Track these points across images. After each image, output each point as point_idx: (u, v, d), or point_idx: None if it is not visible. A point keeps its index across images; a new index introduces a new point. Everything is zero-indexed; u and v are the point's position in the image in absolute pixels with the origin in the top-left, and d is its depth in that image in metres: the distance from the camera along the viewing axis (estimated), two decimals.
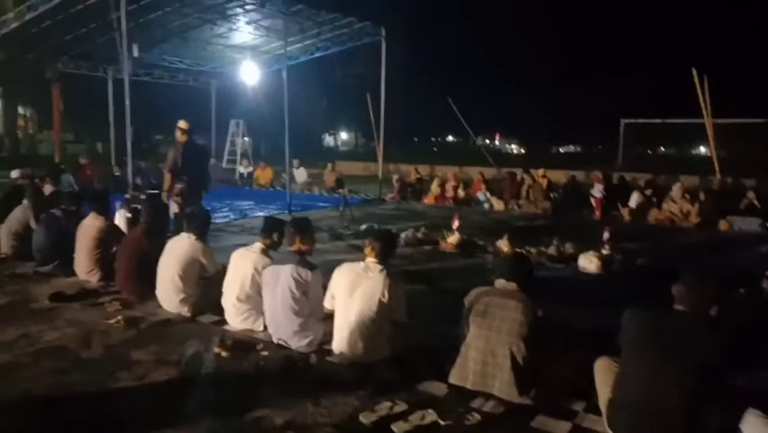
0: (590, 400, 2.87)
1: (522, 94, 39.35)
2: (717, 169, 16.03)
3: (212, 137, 17.63)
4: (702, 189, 10.55)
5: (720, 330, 2.56)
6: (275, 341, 3.76)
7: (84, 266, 5.39)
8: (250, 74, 14.25)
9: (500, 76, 38.84)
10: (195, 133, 7.07)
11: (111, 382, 3.22)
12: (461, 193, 13.05)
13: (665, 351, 2.46)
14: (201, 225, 4.60)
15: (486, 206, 12.25)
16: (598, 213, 10.88)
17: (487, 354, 3.02)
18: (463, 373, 3.10)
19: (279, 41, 13.25)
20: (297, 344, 3.66)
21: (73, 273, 5.44)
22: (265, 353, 3.59)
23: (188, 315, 4.36)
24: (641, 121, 23.52)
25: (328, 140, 55.76)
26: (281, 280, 3.69)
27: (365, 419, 2.77)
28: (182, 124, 6.68)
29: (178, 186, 6.91)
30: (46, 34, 11.47)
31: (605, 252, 6.48)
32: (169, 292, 4.41)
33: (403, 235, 7.82)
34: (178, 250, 4.38)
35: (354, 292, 3.41)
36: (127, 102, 7.74)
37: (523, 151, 55.91)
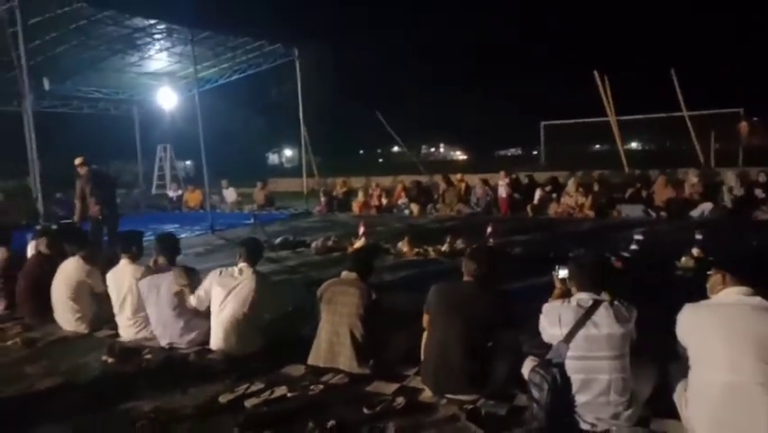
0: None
1: (461, 103, 40.68)
2: (624, 162, 17.27)
3: (138, 163, 17.59)
4: (595, 182, 11.53)
5: (498, 292, 3.18)
6: (164, 345, 4.15)
7: None
8: (167, 100, 14.44)
9: (439, 87, 40.13)
10: (95, 163, 7.64)
11: None
12: (384, 201, 13.66)
13: (452, 311, 3.05)
14: (88, 246, 4.96)
15: (406, 211, 12.89)
16: (503, 211, 11.70)
17: (332, 335, 3.53)
18: (316, 353, 3.61)
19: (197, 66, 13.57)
20: (185, 342, 4.08)
21: None
22: (149, 356, 3.98)
23: (86, 331, 4.68)
24: (558, 122, 25.03)
25: (272, 158, 55.67)
26: (163, 286, 4.10)
27: (223, 399, 3.22)
28: (77, 161, 7.74)
29: (95, 208, 7.71)
30: None
31: (489, 245, 7.17)
32: (64, 312, 4.72)
33: (313, 245, 8.33)
34: (65, 273, 4.71)
35: (227, 293, 3.86)
36: (32, 136, 7.98)
37: (465, 157, 57.41)
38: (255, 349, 3.86)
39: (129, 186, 18.09)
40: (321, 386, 3.33)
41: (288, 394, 3.25)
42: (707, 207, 9.77)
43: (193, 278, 4.15)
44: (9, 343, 4.46)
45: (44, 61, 10.93)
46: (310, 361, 3.62)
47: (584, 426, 2.67)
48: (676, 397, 2.66)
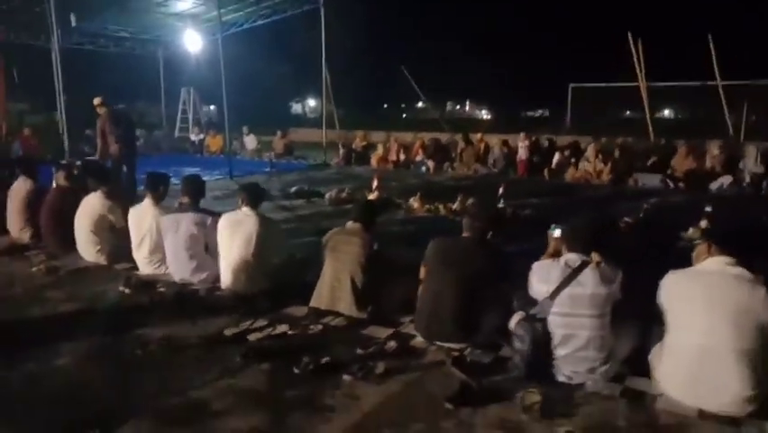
0: None
1: (486, 61, 39.51)
2: (651, 130, 16.89)
3: (161, 105, 17.78)
4: (617, 148, 11.39)
5: (494, 249, 3.30)
6: (176, 280, 4.39)
7: (16, 225, 5.87)
8: (192, 42, 14.44)
9: (465, 44, 38.82)
10: (121, 102, 7.78)
11: (22, 313, 3.82)
12: (401, 157, 13.70)
13: (448, 265, 3.20)
14: (110, 183, 5.18)
15: (423, 168, 12.93)
16: (520, 172, 11.68)
17: (334, 280, 3.71)
18: (318, 296, 3.80)
19: (221, 9, 13.48)
20: (196, 280, 4.31)
21: (6, 232, 5.94)
22: (162, 289, 4.22)
23: (105, 263, 4.94)
24: (587, 85, 24.43)
25: (296, 107, 55.44)
26: (182, 226, 4.31)
27: (228, 332, 3.44)
28: (95, 101, 7.92)
29: (115, 146, 7.95)
30: None
31: (499, 205, 7.24)
32: (86, 244, 4.98)
33: (327, 195, 8.48)
34: (89, 207, 4.94)
35: (234, 235, 4.04)
36: (59, 72, 8.08)
37: (491, 116, 56.39)
38: (262, 289, 4.06)
39: (152, 127, 18.37)
40: (320, 326, 3.53)
41: (289, 332, 3.46)
42: (726, 180, 9.63)
43: (212, 220, 4.31)
44: (33, 269, 4.75)
45: None
46: (312, 303, 3.82)
47: (561, 378, 2.83)
48: (651, 358, 2.79)
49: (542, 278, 2.84)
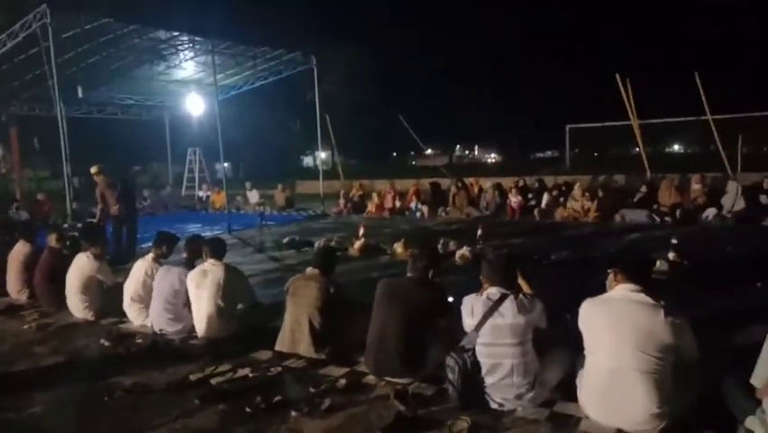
0: None
1: (495, 106, 40.32)
2: (646, 166, 17.12)
3: (168, 165, 18.50)
4: (600, 187, 11.64)
5: (435, 286, 3.54)
6: (156, 330, 4.66)
7: (14, 287, 6.23)
8: (194, 106, 15.21)
9: (472, 89, 39.74)
10: (126, 165, 8.35)
11: (9, 367, 4.10)
12: (397, 204, 14.06)
13: (392, 303, 3.43)
14: (99, 245, 5.52)
15: (417, 214, 13.24)
16: (510, 214, 11.93)
17: (294, 323, 3.95)
18: (281, 340, 4.03)
19: (220, 75, 14.28)
20: (173, 330, 4.57)
21: (6, 294, 6.28)
22: (140, 340, 4.48)
23: (92, 319, 5.23)
24: (583, 126, 24.93)
25: (307, 160, 56.74)
26: (167, 278, 4.62)
27: (193, 377, 3.67)
28: (92, 170, 8.48)
29: (115, 207, 8.49)
30: None
31: (479, 246, 7.48)
32: (75, 301, 5.29)
33: (316, 244, 8.79)
34: (78, 267, 5.27)
35: (201, 285, 4.33)
36: (64, 141, 8.62)
37: (499, 159, 56.98)
38: (231, 334, 4.31)
39: (162, 187, 19.06)
40: (279, 368, 3.75)
41: (250, 374, 3.68)
42: (711, 212, 9.80)
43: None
44: (25, 327, 5.05)
45: (78, 71, 11.79)
46: (276, 347, 4.05)
47: (493, 405, 3.01)
48: (577, 381, 2.97)
49: (468, 311, 3.07)
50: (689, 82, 15.52)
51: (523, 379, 2.95)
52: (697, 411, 2.74)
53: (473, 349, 3.01)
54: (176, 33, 10.80)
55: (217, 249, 4.56)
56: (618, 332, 2.70)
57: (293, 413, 3.08)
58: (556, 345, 3.13)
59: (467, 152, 65.41)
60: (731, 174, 14.92)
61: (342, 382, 3.45)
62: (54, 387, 3.66)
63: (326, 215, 14.41)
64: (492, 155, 62.55)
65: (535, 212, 11.68)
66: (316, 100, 13.89)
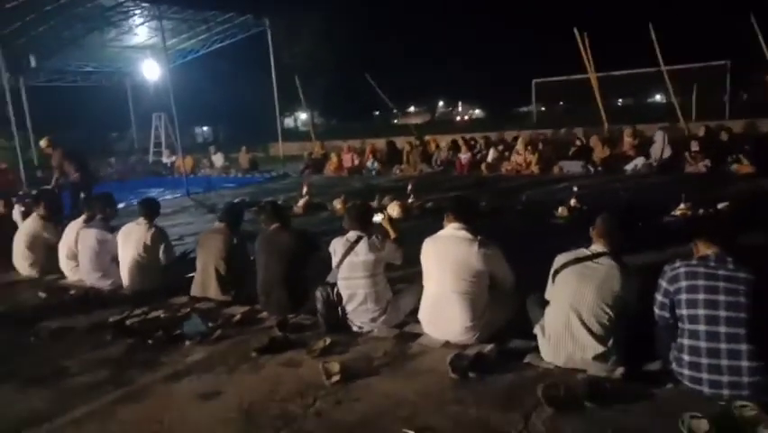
0: None
1: (471, 63, 40.08)
2: (604, 118, 17.62)
3: (133, 131, 18.65)
4: (540, 140, 12.17)
5: (299, 232, 4.08)
6: (89, 284, 5.17)
7: None
8: (151, 72, 15.31)
9: (450, 47, 39.34)
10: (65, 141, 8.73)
11: None
12: (356, 163, 14.50)
13: (269, 251, 3.97)
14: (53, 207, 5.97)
15: (373, 172, 13.72)
16: (459, 169, 12.46)
17: (203, 271, 4.48)
18: (194, 286, 4.57)
19: (174, 39, 14.38)
20: (103, 285, 5.08)
21: None
22: (73, 292, 5.00)
23: (37, 276, 5.72)
24: (548, 80, 25.26)
25: (287, 121, 56.38)
26: (86, 239, 5.09)
27: (112, 319, 4.21)
28: (42, 143, 9.02)
29: (75, 175, 8.93)
30: None
31: (410, 200, 8.02)
32: (20, 260, 5.77)
33: (263, 203, 9.26)
34: (25, 227, 5.75)
35: (126, 242, 4.83)
36: (10, 109, 8.89)
37: (481, 115, 56.88)
38: (155, 285, 4.83)
39: (125, 154, 19.24)
40: (188, 309, 4.30)
41: (162, 315, 4.22)
42: (639, 161, 10.39)
43: (112, 236, 5.09)
44: None
45: (29, 41, 11.87)
46: (191, 292, 4.59)
47: (354, 328, 3.59)
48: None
49: (333, 251, 3.61)
50: (645, 34, 15.88)
51: (375, 305, 3.52)
52: (510, 324, 3.34)
53: (335, 283, 3.57)
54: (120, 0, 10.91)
55: (147, 209, 5.00)
56: (442, 262, 3.26)
57: (187, 343, 3.64)
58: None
59: (450, 108, 65.26)
60: (683, 123, 15.58)
61: (238, 317, 4.01)
62: None
63: (288, 175, 14.82)
64: (476, 111, 62.56)
65: (482, 167, 12.20)
66: (271, 63, 14.06)
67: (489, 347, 3.14)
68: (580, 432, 2.36)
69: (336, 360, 3.16)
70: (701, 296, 2.49)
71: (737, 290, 2.44)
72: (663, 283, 2.66)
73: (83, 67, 15.61)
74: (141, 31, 13.66)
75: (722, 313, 2.43)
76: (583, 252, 2.90)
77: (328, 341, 3.39)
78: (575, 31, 17.38)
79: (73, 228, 5.47)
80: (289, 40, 31.87)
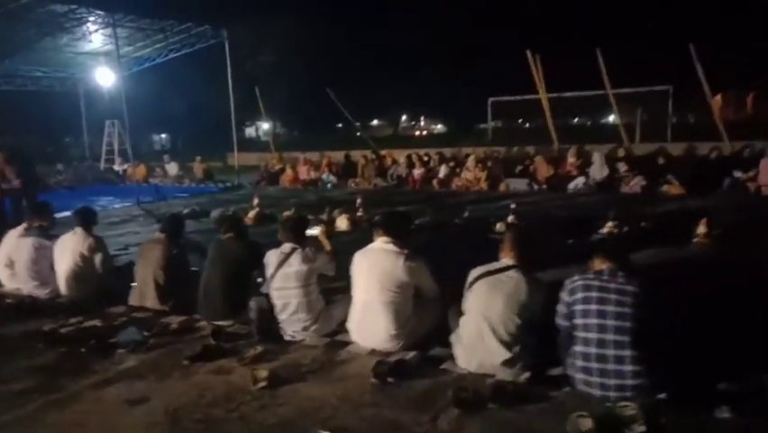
0: None
1: (434, 79, 40.67)
2: (554, 137, 18.28)
3: (84, 138, 18.26)
4: (492, 158, 12.61)
5: (246, 243, 4.20)
6: (26, 293, 5.13)
7: None
8: (105, 79, 15.10)
9: (413, 62, 39.96)
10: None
11: None
12: (312, 175, 14.63)
13: (216, 260, 4.08)
14: None
15: (329, 185, 13.88)
16: (411, 185, 12.76)
17: (142, 281, 4.54)
18: (132, 295, 4.62)
19: (129, 47, 14.25)
20: (41, 293, 5.05)
21: None
22: (9, 300, 4.96)
23: None
24: (503, 99, 26.07)
25: (249, 131, 55.88)
26: (23, 247, 5.07)
27: (46, 327, 4.21)
28: None
29: (17, 181, 8.65)
30: None
31: (358, 214, 8.21)
32: None
33: (213, 213, 9.29)
34: None
35: (64, 252, 4.83)
36: None
37: (443, 130, 57.56)
38: (91, 294, 4.83)
39: (77, 160, 18.80)
40: (125, 318, 4.34)
41: (98, 324, 4.25)
42: (580, 180, 10.90)
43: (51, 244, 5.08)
44: None
45: None
46: (130, 302, 4.63)
47: (286, 337, 3.73)
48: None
49: (267, 263, 3.76)
50: (594, 57, 16.62)
51: (308, 314, 3.68)
52: (433, 334, 3.55)
53: (268, 293, 3.71)
54: (73, 6, 10.78)
55: (83, 218, 5.02)
56: (371, 273, 3.45)
57: (120, 351, 3.70)
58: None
59: (413, 122, 65.92)
60: (626, 144, 16.37)
61: (175, 325, 4.08)
62: None
63: (242, 186, 14.81)
64: (438, 126, 63.41)
65: (434, 182, 12.53)
66: (228, 74, 14.09)
67: (411, 354, 3.33)
68: (481, 431, 2.57)
69: (266, 367, 3.29)
70: (594, 306, 2.75)
71: (625, 301, 2.71)
72: (564, 295, 2.92)
73: (32, 71, 15.25)
74: (95, 38, 13.48)
75: (610, 322, 2.70)
76: (495, 265, 3.14)
77: (260, 349, 3.52)
78: (528, 53, 18.12)
79: (12, 236, 5.41)
80: (253, 50, 31.89)
